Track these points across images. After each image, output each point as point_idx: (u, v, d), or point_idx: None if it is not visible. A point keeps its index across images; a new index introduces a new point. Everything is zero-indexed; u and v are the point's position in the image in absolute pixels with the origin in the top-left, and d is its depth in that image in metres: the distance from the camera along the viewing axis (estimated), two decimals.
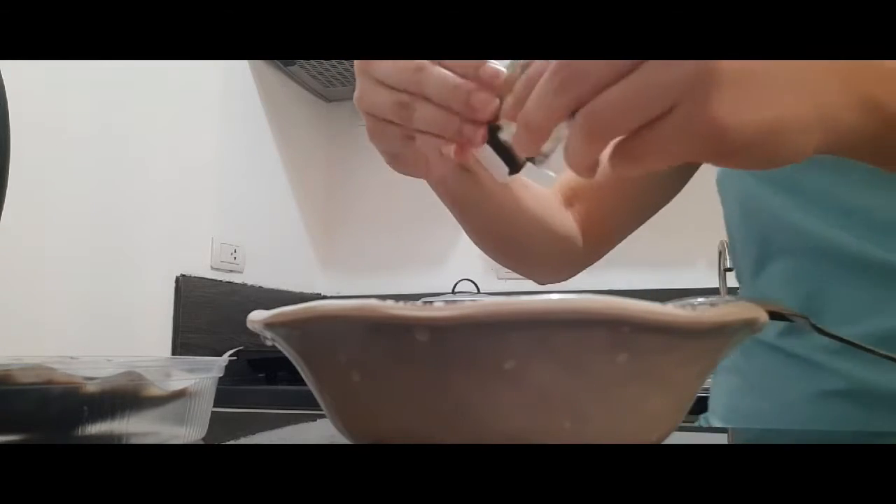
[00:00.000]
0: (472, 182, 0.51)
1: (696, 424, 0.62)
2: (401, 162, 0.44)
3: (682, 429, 0.36)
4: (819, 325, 0.41)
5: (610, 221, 0.65)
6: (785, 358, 0.53)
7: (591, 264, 0.67)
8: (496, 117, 0.37)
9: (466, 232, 0.59)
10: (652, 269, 1.82)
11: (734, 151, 0.28)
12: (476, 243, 0.61)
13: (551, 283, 0.68)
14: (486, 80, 0.36)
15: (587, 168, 0.30)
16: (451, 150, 0.40)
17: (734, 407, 0.58)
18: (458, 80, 0.37)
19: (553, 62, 0.28)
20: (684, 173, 0.64)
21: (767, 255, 0.54)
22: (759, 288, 0.56)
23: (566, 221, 0.63)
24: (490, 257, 0.63)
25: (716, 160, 0.31)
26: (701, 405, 0.62)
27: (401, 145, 0.42)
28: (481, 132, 0.38)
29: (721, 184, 0.57)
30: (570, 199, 0.65)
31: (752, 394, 0.56)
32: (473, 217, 0.57)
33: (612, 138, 0.29)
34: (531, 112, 0.30)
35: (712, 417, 0.61)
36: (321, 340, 0.25)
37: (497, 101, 0.37)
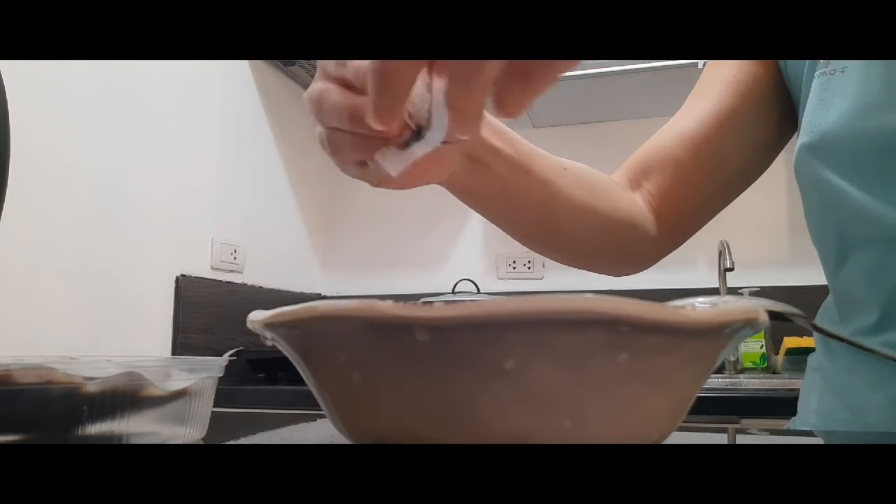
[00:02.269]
0: (487, 175, 0.47)
1: (784, 428, 0.59)
2: (368, 175, 0.39)
3: (682, 429, 0.36)
4: (818, 325, 0.41)
5: (687, 196, 0.58)
6: (864, 357, 0.49)
7: (670, 251, 0.61)
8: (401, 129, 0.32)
9: (501, 228, 0.54)
10: (652, 269, 1.82)
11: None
12: (517, 240, 0.55)
13: (625, 275, 0.62)
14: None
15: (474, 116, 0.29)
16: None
17: (815, 409, 0.55)
18: (353, 103, 0.33)
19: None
20: (771, 146, 0.60)
21: (848, 248, 0.50)
22: (841, 283, 0.52)
23: (626, 206, 0.57)
24: (540, 254, 0.58)
25: None
26: (792, 408, 0.59)
27: (361, 171, 0.38)
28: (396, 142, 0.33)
29: (798, 173, 0.53)
30: (640, 177, 0.59)
31: (832, 395, 0.53)
32: (496, 212, 0.52)
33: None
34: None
35: (798, 421, 0.57)
36: (321, 340, 0.25)
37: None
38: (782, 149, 0.61)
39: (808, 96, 0.52)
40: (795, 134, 0.54)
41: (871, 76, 0.48)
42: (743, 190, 0.61)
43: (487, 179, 0.47)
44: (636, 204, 0.58)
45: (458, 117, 0.29)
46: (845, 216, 0.49)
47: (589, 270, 0.61)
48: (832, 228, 0.51)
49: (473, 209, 0.52)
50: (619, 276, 0.62)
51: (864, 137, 0.47)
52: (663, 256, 0.61)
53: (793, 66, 0.56)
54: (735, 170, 0.59)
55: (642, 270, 0.62)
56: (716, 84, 0.59)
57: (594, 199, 0.54)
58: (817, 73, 0.52)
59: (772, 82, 0.58)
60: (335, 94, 0.34)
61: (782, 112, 0.59)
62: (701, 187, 0.59)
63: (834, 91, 0.50)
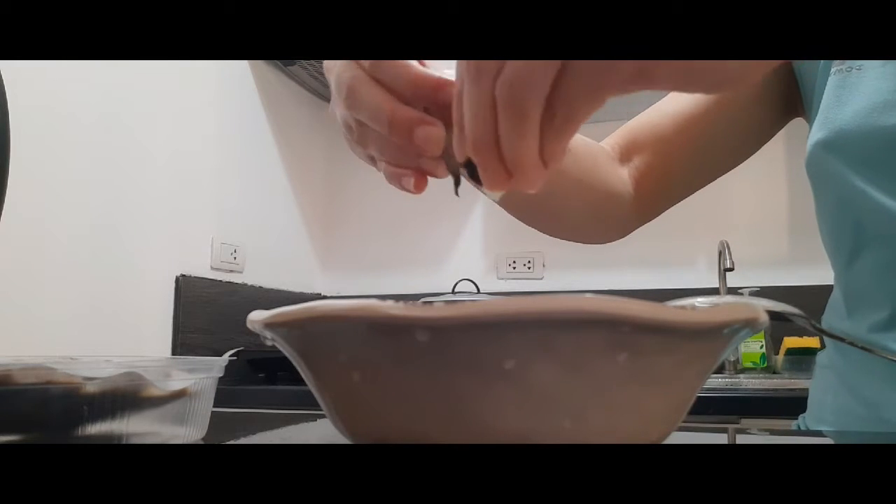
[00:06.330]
0: None
1: (793, 427, 0.60)
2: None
3: (682, 429, 0.36)
4: (818, 325, 0.41)
5: (674, 175, 0.61)
6: (877, 355, 0.49)
7: (646, 221, 0.63)
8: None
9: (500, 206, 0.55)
10: (652, 269, 1.83)
11: (655, 79, 0.27)
12: (509, 213, 0.57)
13: (600, 243, 0.64)
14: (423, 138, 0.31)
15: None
16: (410, 182, 0.34)
17: (831, 407, 0.55)
18: (395, 110, 0.32)
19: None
20: (763, 131, 0.61)
21: (863, 244, 0.50)
22: (852, 278, 0.52)
23: (613, 180, 0.59)
24: (527, 224, 0.60)
25: (643, 86, 0.28)
26: (801, 406, 0.59)
27: (371, 162, 0.37)
28: (441, 166, 0.33)
29: (811, 169, 0.53)
30: (630, 151, 0.61)
31: (846, 393, 0.53)
32: (502, 199, 0.53)
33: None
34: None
35: (809, 419, 0.57)
36: (321, 340, 0.25)
37: (442, 130, 0.31)
38: (773, 136, 0.62)
39: (822, 93, 0.53)
40: (808, 131, 0.54)
41: (887, 74, 0.48)
42: (725, 172, 0.62)
43: None
44: (622, 179, 0.60)
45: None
46: (862, 212, 0.50)
47: (568, 240, 0.63)
48: (848, 224, 0.51)
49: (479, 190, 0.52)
50: (591, 244, 0.65)
51: (880, 135, 0.47)
52: (635, 229, 0.63)
53: (806, 63, 0.56)
54: (723, 154, 0.61)
55: (620, 238, 0.64)
56: None
57: (588, 178, 0.57)
58: (833, 70, 0.52)
59: (772, 69, 0.58)
60: (371, 88, 0.32)
61: (780, 100, 0.59)
62: (686, 169, 0.61)
63: (850, 89, 0.50)
